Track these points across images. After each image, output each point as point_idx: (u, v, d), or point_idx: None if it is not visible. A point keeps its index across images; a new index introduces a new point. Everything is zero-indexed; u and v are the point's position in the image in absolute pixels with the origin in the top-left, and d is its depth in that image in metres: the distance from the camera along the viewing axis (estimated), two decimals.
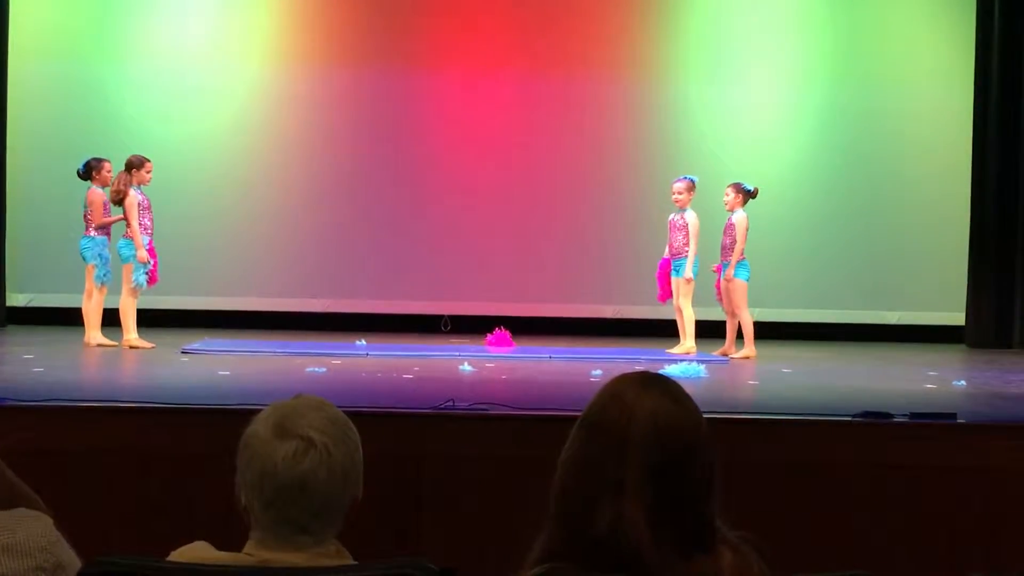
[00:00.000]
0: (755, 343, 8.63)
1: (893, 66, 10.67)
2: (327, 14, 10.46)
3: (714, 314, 8.95)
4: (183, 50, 10.30)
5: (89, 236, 8.46)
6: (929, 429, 4.72)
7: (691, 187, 8.79)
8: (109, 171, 8.52)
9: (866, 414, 4.84)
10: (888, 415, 4.83)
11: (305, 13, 10.48)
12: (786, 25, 10.72)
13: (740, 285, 8.66)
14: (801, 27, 10.73)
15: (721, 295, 8.80)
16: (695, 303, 8.76)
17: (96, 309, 8.37)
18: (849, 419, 4.81)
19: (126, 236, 8.38)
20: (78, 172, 8.58)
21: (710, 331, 8.93)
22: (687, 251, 8.68)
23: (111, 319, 8.44)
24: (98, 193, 8.47)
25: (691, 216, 8.73)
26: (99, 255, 8.42)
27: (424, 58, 10.48)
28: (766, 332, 10.18)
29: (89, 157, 8.62)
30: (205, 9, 10.44)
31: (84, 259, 8.48)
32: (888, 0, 10.74)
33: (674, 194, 8.82)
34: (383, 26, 10.42)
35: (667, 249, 8.87)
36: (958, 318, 10.42)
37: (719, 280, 8.79)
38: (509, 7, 10.56)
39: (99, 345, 8.25)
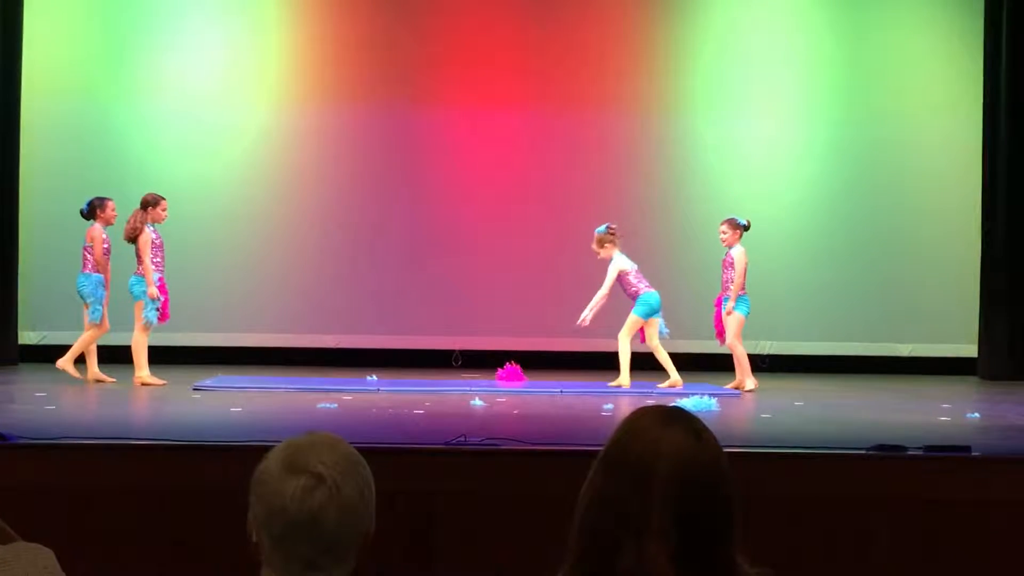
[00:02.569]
0: (757, 375, 8.73)
1: (901, 98, 10.68)
2: (337, 53, 10.53)
3: (711, 347, 8.98)
4: (194, 89, 10.37)
5: (86, 274, 8.45)
6: (943, 462, 4.69)
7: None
8: (113, 210, 8.55)
9: (880, 447, 4.80)
10: (902, 448, 4.80)
11: (315, 52, 10.55)
12: (793, 59, 10.74)
13: (737, 318, 8.68)
14: (808, 61, 10.76)
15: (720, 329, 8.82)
16: (694, 336, 8.76)
17: (83, 344, 8.35)
18: (863, 452, 4.78)
19: (137, 273, 8.39)
20: (81, 212, 8.60)
21: (720, 365, 8.92)
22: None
23: (122, 356, 8.45)
24: (99, 230, 8.49)
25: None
26: (93, 293, 8.42)
27: (434, 96, 10.53)
28: (778, 365, 10.20)
29: (92, 197, 8.65)
30: (215, 49, 10.51)
31: (82, 297, 8.47)
32: (895, 33, 10.77)
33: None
34: (393, 65, 10.47)
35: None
36: (971, 350, 10.38)
37: (718, 314, 8.79)
38: (517, 45, 10.61)
39: (70, 374, 8.25)
